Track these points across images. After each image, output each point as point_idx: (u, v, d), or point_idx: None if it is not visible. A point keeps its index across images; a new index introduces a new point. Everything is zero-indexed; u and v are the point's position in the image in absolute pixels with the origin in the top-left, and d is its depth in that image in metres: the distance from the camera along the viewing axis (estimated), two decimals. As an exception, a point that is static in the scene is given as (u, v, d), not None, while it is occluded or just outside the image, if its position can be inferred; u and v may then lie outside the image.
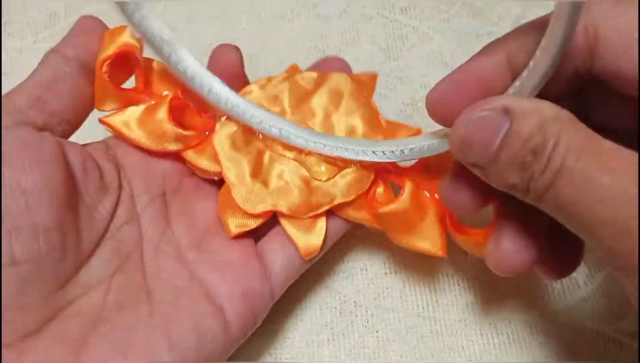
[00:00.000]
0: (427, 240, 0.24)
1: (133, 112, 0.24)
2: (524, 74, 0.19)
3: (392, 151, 0.24)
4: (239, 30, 0.34)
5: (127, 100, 0.25)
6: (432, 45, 0.34)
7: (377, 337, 0.27)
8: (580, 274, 0.29)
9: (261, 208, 0.24)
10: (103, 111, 0.24)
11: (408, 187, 0.24)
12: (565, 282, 0.28)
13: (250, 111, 0.24)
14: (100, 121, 0.24)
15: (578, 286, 0.28)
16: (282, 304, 0.28)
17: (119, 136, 0.24)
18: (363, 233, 0.29)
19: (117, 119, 0.24)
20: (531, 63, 0.18)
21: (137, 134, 0.24)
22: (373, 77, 0.28)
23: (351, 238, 0.29)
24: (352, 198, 0.24)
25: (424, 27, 0.35)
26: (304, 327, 0.27)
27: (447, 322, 0.27)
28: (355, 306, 0.28)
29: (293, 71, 0.28)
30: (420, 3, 0.35)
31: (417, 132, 0.26)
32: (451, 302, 0.28)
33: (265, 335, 0.27)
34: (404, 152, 0.23)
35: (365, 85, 0.27)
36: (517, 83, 0.19)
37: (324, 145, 0.24)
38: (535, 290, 0.28)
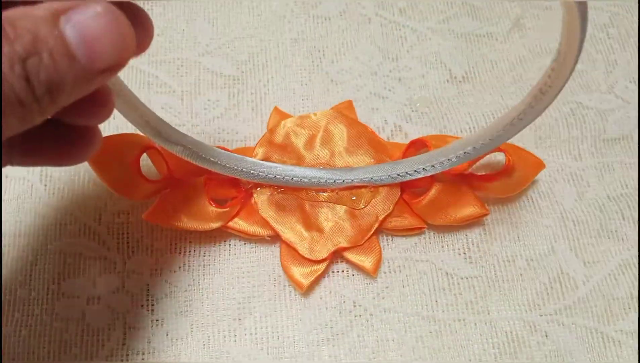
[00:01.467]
0: (471, 206, 0.28)
1: (172, 201, 0.27)
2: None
3: (407, 172, 0.27)
4: (239, 30, 0.34)
5: (158, 189, 0.27)
6: (430, 45, 0.34)
7: (377, 337, 0.27)
8: (579, 274, 0.29)
9: (326, 252, 0.27)
10: (126, 197, 0.27)
11: (436, 182, 0.28)
12: (565, 282, 0.28)
13: (278, 172, 0.28)
14: (146, 218, 0.27)
15: (577, 286, 0.28)
16: (281, 304, 0.28)
17: (165, 225, 0.28)
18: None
19: (161, 213, 0.27)
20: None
21: (181, 222, 0.27)
22: (349, 104, 0.31)
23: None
24: (391, 208, 0.28)
25: (422, 27, 0.35)
26: (303, 327, 0.27)
27: (446, 322, 0.27)
28: (354, 306, 0.28)
29: (279, 116, 0.31)
30: (419, 4, 0.35)
31: (411, 145, 0.30)
32: (450, 302, 0.28)
33: (265, 334, 0.27)
34: (418, 172, 0.27)
35: (347, 111, 0.31)
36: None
37: (352, 180, 0.28)
38: (534, 290, 0.28)
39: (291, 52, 0.34)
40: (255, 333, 0.27)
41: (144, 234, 0.29)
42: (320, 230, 0.28)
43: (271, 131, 0.30)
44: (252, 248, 0.29)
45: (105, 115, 0.21)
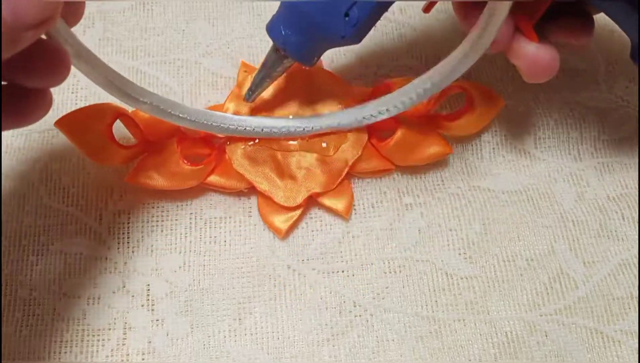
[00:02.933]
0: (435, 146, 0.30)
1: (149, 163, 0.28)
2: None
3: (372, 115, 0.28)
4: (238, 30, 0.34)
5: (134, 153, 0.28)
6: (430, 45, 0.34)
7: (377, 337, 0.27)
8: (579, 274, 0.29)
9: (300, 198, 0.29)
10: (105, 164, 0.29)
11: (401, 124, 0.29)
12: (564, 282, 0.29)
13: (248, 124, 0.28)
14: (129, 181, 0.28)
15: (577, 286, 0.28)
16: (281, 304, 0.28)
17: (145, 187, 0.28)
18: (362, 232, 0.29)
19: (140, 176, 0.28)
20: None
21: (160, 182, 0.28)
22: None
23: (351, 237, 0.29)
24: (360, 152, 0.29)
25: (422, 27, 0.35)
26: (303, 327, 0.27)
27: (446, 322, 0.28)
28: (354, 306, 0.28)
29: (247, 70, 0.32)
30: (419, 3, 0.35)
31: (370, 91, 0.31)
32: (450, 302, 0.28)
33: (265, 334, 0.27)
34: (382, 113, 0.28)
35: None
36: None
37: (320, 126, 0.29)
38: (534, 290, 0.28)
39: (291, 52, 0.34)
40: (255, 333, 0.27)
41: (144, 234, 0.29)
42: (293, 178, 0.29)
43: (239, 85, 0.31)
44: (251, 248, 0.29)
45: (60, 77, 0.21)
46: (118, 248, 0.28)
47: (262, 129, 0.29)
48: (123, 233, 0.29)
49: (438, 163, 0.31)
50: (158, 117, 0.26)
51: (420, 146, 0.29)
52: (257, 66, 0.31)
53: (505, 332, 0.27)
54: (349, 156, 0.29)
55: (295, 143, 0.29)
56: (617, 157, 0.32)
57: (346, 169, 0.29)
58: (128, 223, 0.29)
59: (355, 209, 0.30)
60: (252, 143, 0.29)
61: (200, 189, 0.30)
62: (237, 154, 0.29)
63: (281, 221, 0.29)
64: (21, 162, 0.30)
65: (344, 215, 0.29)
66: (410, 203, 0.30)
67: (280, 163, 0.29)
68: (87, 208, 0.29)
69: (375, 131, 0.30)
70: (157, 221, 0.29)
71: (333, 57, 0.34)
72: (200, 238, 0.29)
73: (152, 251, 0.28)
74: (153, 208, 0.29)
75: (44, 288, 0.27)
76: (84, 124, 0.27)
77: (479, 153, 0.32)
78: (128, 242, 0.29)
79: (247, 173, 0.29)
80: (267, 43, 0.34)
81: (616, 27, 0.36)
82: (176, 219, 0.29)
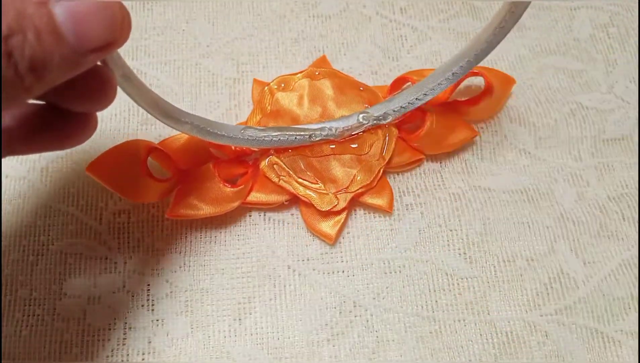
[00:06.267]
0: (463, 131, 0.30)
1: (188, 193, 0.28)
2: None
3: (402, 106, 0.29)
4: (239, 30, 0.34)
5: (170, 186, 0.28)
6: (431, 45, 0.34)
7: (377, 337, 0.27)
8: (579, 274, 0.29)
9: (344, 201, 0.29)
10: (142, 201, 0.28)
11: (429, 114, 0.30)
12: (565, 282, 0.29)
13: (283, 133, 0.28)
14: (170, 216, 0.27)
15: (577, 287, 0.28)
16: (281, 304, 0.28)
17: (189, 218, 0.28)
18: (363, 232, 0.29)
19: (182, 208, 0.27)
20: None
21: (204, 211, 0.28)
22: (324, 58, 0.33)
23: (351, 237, 0.29)
24: (393, 147, 0.30)
25: (423, 27, 0.35)
26: (303, 327, 0.27)
27: (446, 322, 0.28)
28: (354, 306, 0.28)
29: (260, 86, 0.31)
30: (420, 3, 0.35)
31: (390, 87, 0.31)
32: (450, 302, 0.28)
33: (265, 334, 0.27)
34: (412, 104, 0.29)
35: (324, 66, 0.32)
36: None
37: (351, 126, 0.29)
38: (534, 290, 0.28)
39: (291, 52, 0.34)
40: (255, 333, 0.27)
41: (144, 234, 0.29)
42: (334, 181, 0.29)
43: (259, 101, 0.30)
44: (251, 248, 0.29)
45: (107, 102, 0.21)
46: (118, 248, 0.28)
47: (296, 138, 0.28)
48: (123, 233, 0.29)
49: (438, 163, 0.31)
50: (198, 136, 0.26)
51: (450, 133, 0.30)
52: (270, 80, 0.31)
53: (505, 332, 0.27)
54: (385, 152, 0.30)
55: (330, 147, 0.29)
56: (617, 157, 0.32)
57: (383, 165, 0.29)
58: (128, 223, 0.29)
59: (355, 210, 0.30)
60: (287, 152, 0.29)
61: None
62: (272, 170, 0.29)
63: (329, 226, 0.29)
64: (21, 162, 0.30)
65: (388, 210, 0.29)
66: (410, 203, 0.30)
67: (318, 169, 0.29)
68: (87, 208, 0.29)
69: (402, 125, 0.30)
70: (157, 221, 0.29)
71: (333, 58, 0.34)
72: (200, 238, 0.29)
73: (152, 251, 0.28)
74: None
75: (44, 288, 0.27)
76: (116, 165, 0.26)
77: (479, 153, 0.32)
78: (128, 242, 0.29)
79: (287, 185, 0.29)
80: (268, 43, 0.34)
81: (614, 28, 0.36)
82: (176, 219, 0.29)
